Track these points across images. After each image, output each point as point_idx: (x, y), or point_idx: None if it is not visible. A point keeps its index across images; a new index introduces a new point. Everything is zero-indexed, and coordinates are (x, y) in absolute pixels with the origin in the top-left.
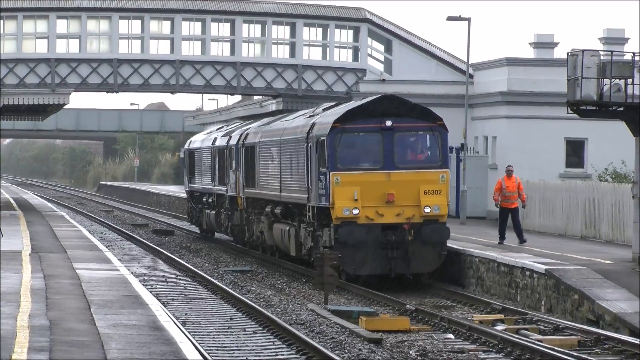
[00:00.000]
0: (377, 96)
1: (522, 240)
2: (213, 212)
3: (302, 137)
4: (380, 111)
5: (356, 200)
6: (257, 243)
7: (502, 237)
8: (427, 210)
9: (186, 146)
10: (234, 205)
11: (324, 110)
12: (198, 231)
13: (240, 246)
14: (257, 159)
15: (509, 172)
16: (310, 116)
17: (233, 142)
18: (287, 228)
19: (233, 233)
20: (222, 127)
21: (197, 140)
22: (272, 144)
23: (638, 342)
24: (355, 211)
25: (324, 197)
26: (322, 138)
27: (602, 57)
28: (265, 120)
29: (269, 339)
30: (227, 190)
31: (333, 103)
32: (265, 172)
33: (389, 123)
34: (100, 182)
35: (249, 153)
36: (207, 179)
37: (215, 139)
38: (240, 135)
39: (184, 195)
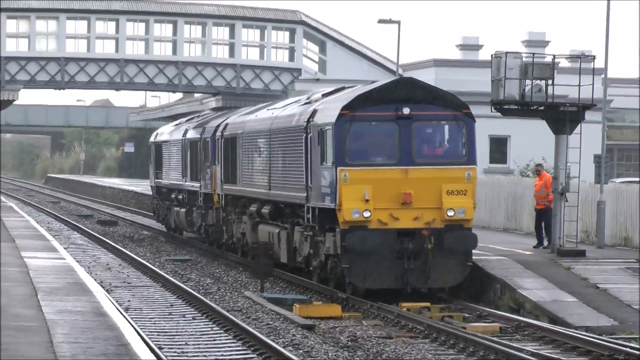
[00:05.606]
0: (392, 79)
1: (538, 244)
2: (183, 210)
3: (299, 126)
4: (397, 97)
5: (367, 201)
6: (237, 246)
7: (538, 241)
8: (450, 213)
9: (152, 138)
10: (209, 203)
11: (324, 96)
12: (164, 229)
13: (215, 248)
14: (239, 152)
15: (536, 172)
16: (306, 103)
17: (208, 134)
18: (277, 231)
19: (207, 234)
20: (193, 118)
21: (165, 132)
22: (260, 135)
23: (557, 329)
24: (366, 214)
25: (329, 197)
26: (326, 127)
27: (524, 59)
28: (247, 109)
29: (208, 324)
30: (200, 186)
31: (333, 89)
32: (249, 167)
33: (406, 111)
34: (48, 175)
35: (229, 145)
36: (176, 174)
37: (186, 130)
38: (218, 126)
39: (128, 187)
